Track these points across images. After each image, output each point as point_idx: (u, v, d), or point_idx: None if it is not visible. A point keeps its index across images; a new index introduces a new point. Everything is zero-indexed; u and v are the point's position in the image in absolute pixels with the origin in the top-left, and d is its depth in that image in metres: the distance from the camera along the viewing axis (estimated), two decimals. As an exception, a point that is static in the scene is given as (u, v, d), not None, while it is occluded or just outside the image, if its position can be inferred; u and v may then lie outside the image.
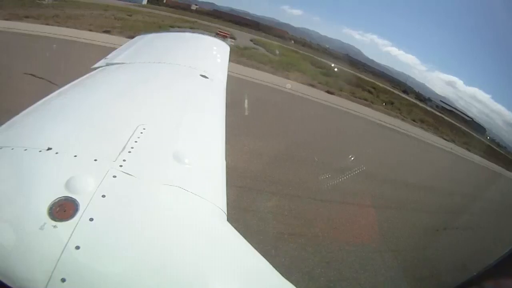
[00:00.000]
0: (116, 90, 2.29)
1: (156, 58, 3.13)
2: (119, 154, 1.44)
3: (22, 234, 1.02)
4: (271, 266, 1.26)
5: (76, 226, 1.05)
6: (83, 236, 1.04)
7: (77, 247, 1.00)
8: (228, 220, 1.47)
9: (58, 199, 1.11)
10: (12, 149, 1.37)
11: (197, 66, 3.00)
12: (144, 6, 30.42)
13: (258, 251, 1.31)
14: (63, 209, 1.09)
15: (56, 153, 1.34)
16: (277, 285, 1.24)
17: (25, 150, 1.35)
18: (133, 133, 1.62)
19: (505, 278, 0.87)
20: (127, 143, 1.53)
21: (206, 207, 1.45)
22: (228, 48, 4.19)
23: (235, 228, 1.40)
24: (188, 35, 4.96)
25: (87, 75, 2.46)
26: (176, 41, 4.24)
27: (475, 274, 1.19)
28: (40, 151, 1.33)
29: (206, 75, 2.85)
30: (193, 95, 2.57)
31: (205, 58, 3.59)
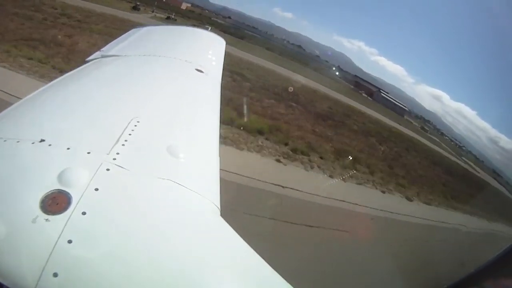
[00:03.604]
0: (111, 82, 2.26)
1: (151, 51, 3.10)
2: (113, 147, 1.42)
3: (13, 228, 1.00)
4: (263, 261, 1.26)
5: (68, 219, 1.04)
6: (76, 230, 1.03)
7: (70, 241, 0.99)
8: (221, 215, 1.46)
9: (50, 192, 1.10)
10: (5, 140, 1.35)
11: (193, 60, 2.96)
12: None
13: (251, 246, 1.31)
14: (56, 202, 1.07)
15: (49, 145, 1.32)
16: (269, 280, 1.24)
17: (18, 142, 1.33)
18: (127, 126, 1.60)
19: (505, 278, 0.88)
20: (120, 136, 1.51)
21: (199, 201, 1.44)
22: (223, 42, 4.14)
23: (228, 223, 1.38)
24: (183, 29, 4.89)
25: (81, 67, 2.43)
26: (172, 34, 4.19)
27: (473, 271, 1.19)
28: (33, 143, 1.32)
29: (201, 69, 2.82)
30: (188, 89, 2.54)
31: (201, 52, 3.54)
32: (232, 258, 1.27)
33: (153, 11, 35.48)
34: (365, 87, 50.23)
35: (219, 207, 1.50)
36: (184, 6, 57.27)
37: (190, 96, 2.47)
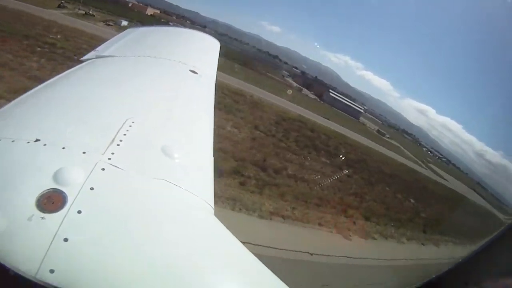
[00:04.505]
0: (106, 83, 2.27)
1: (146, 52, 3.10)
2: (108, 147, 1.43)
3: (10, 225, 1.00)
4: (256, 259, 1.29)
5: (64, 218, 1.05)
6: (71, 228, 1.04)
7: (65, 239, 1.00)
8: (215, 214, 1.48)
9: (46, 191, 1.11)
10: (0, 140, 1.34)
11: (187, 61, 2.98)
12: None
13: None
14: (51, 201, 1.08)
15: (44, 144, 1.32)
16: (263, 277, 1.26)
17: (13, 141, 1.33)
18: (122, 126, 1.61)
19: (505, 278, 0.89)
20: (115, 136, 1.52)
21: (193, 201, 1.46)
22: (218, 44, 4.16)
23: (222, 222, 1.40)
24: (178, 30, 4.92)
25: (76, 67, 2.41)
26: (166, 35, 4.18)
27: (460, 261, 1.16)
28: (28, 142, 1.31)
29: (196, 71, 2.84)
30: (182, 90, 2.56)
31: (195, 54, 3.56)
32: (226, 256, 1.29)
33: (79, 9, 38.95)
34: (315, 88, 50.88)
35: (213, 206, 1.52)
36: (150, 11, 57.87)
37: (184, 97, 2.49)
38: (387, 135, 49.42)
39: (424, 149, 59.30)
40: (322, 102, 46.54)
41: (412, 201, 20.76)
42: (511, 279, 0.86)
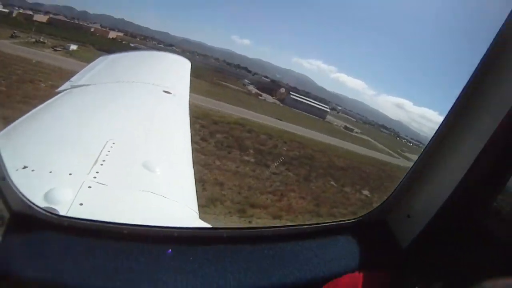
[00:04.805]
0: (84, 110, 2.41)
1: (120, 77, 3.23)
2: (92, 167, 1.56)
3: None
4: None
5: None
6: None
7: None
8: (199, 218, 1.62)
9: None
10: None
11: (160, 82, 3.15)
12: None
13: None
14: None
15: (32, 170, 1.44)
16: None
17: None
18: (103, 148, 1.73)
19: (505, 278, 0.85)
20: (98, 157, 1.65)
21: (178, 208, 1.61)
22: (189, 64, 4.30)
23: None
24: (149, 53, 5.16)
25: (53, 98, 2.51)
26: (138, 60, 4.37)
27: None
28: (16, 170, 1.42)
29: (169, 91, 3.00)
30: (158, 110, 2.72)
31: (167, 75, 3.75)
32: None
33: (31, 37, 39.79)
34: (277, 92, 52.11)
35: (197, 211, 1.66)
36: (113, 35, 59.31)
37: (160, 116, 2.64)
38: (356, 131, 49.37)
39: (404, 140, 59.57)
40: (282, 105, 46.87)
41: (365, 192, 19.48)
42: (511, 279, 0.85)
